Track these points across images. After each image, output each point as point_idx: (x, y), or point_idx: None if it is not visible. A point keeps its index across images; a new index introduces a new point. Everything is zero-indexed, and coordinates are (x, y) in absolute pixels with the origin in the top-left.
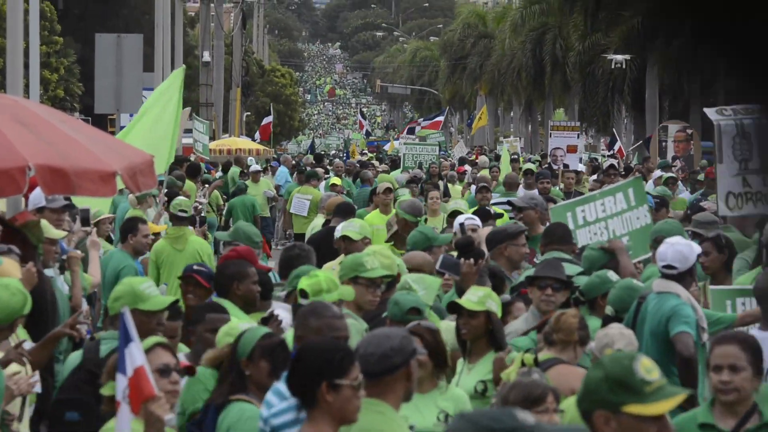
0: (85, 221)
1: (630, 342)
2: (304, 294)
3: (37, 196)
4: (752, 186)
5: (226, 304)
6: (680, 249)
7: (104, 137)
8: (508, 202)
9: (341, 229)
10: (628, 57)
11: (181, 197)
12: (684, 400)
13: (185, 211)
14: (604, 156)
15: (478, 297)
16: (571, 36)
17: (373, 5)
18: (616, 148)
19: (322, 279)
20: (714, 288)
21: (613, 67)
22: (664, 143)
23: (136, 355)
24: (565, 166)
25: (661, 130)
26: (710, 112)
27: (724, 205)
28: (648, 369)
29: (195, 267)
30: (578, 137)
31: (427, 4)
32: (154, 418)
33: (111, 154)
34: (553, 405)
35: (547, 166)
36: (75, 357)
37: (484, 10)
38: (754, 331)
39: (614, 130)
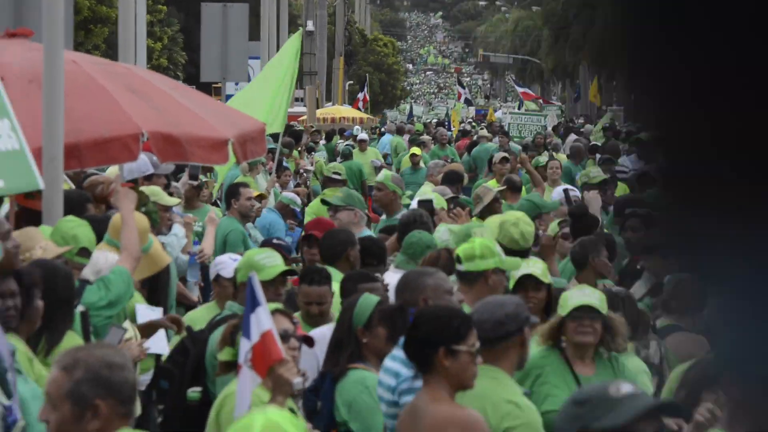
0: (194, 177)
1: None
2: (458, 260)
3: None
4: None
5: (331, 270)
6: None
7: (215, 104)
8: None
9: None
10: None
11: (333, 163)
12: None
13: (339, 174)
14: None
15: (541, 269)
16: None
17: None
18: None
19: (477, 245)
20: None
21: None
22: None
23: (263, 319)
24: None
25: None
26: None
27: None
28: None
29: (275, 241)
30: None
31: None
32: (282, 380)
33: (222, 121)
34: None
35: None
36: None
37: None
38: None
39: None
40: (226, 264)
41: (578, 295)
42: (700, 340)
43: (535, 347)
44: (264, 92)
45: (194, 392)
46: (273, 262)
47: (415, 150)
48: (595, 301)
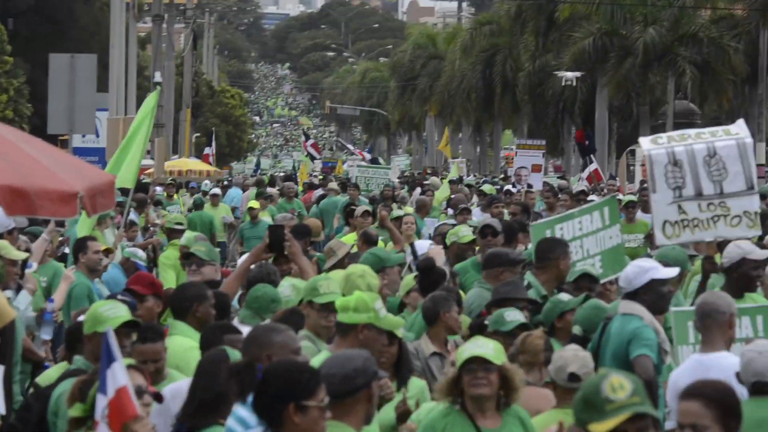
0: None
1: (584, 364)
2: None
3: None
4: (688, 213)
5: (180, 326)
6: (628, 270)
7: (64, 157)
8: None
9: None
10: (578, 74)
11: (175, 213)
12: (648, 421)
13: (181, 224)
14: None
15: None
16: (521, 57)
17: (322, 26)
18: (591, 169)
19: (354, 298)
20: (676, 309)
21: (563, 84)
22: (632, 167)
23: (119, 375)
24: (529, 186)
25: (629, 153)
26: (644, 142)
27: (661, 234)
28: (615, 387)
29: (119, 297)
30: (543, 156)
31: (376, 25)
32: None
33: (72, 174)
34: None
35: (501, 187)
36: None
37: (434, 30)
38: (695, 355)
39: (592, 156)
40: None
41: (471, 347)
42: (546, 394)
43: (434, 405)
44: (124, 150)
45: None
46: (116, 313)
47: (253, 203)
48: (489, 352)
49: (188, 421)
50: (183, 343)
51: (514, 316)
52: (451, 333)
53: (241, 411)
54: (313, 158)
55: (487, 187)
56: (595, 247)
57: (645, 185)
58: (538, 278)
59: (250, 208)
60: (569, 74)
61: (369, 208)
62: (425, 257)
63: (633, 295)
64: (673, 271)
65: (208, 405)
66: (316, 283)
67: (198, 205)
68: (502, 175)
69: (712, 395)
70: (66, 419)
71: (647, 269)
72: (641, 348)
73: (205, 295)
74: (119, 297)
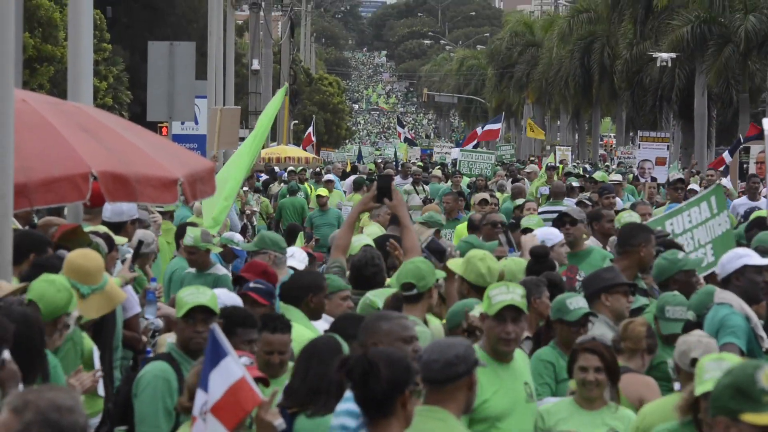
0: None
1: (707, 350)
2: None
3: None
4: None
5: (294, 312)
6: (724, 256)
7: (165, 144)
8: (559, 213)
9: None
10: (674, 55)
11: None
12: None
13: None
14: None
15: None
16: (619, 44)
17: (419, 14)
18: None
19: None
20: None
21: (659, 65)
22: (746, 165)
23: (233, 367)
24: (653, 179)
25: (743, 151)
26: (766, 122)
27: None
28: None
29: (252, 285)
30: (667, 149)
31: (473, 13)
32: (265, 424)
33: (172, 161)
34: None
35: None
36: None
37: (531, 18)
38: None
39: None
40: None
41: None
42: (648, 382)
43: (667, 421)
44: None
45: (120, 430)
46: (194, 299)
47: (321, 191)
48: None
49: (295, 405)
50: (303, 333)
51: (578, 303)
52: (541, 318)
53: (349, 404)
54: (412, 144)
55: (599, 175)
56: (706, 236)
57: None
58: (618, 265)
59: (319, 196)
60: (665, 55)
61: (486, 196)
62: (539, 245)
63: (726, 282)
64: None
65: (321, 392)
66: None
67: (289, 192)
68: (589, 162)
69: None
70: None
71: (741, 255)
72: (727, 336)
73: (321, 285)
74: (252, 285)
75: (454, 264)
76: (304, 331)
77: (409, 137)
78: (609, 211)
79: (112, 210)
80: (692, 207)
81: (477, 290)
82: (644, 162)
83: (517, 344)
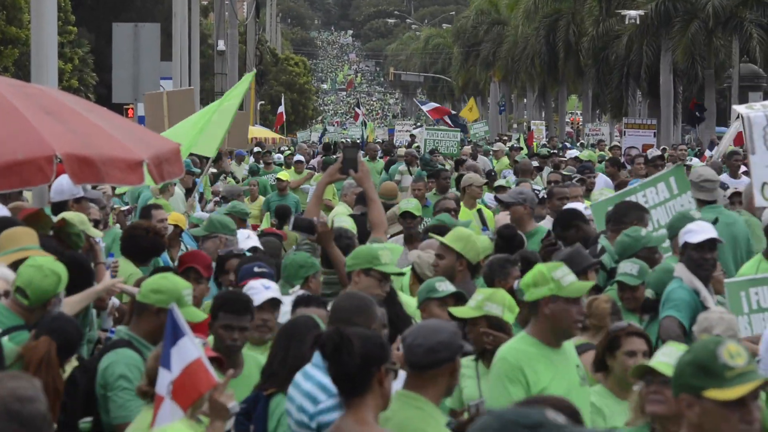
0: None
1: (729, 327)
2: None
3: (68, 187)
4: None
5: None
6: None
7: (130, 126)
8: (495, 198)
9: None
10: (642, 12)
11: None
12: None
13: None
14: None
15: (476, 301)
16: (584, 22)
17: None
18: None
19: (529, 274)
20: (729, 281)
21: (627, 22)
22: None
23: (190, 348)
24: (641, 156)
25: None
26: (739, 108)
27: (761, 196)
28: (733, 354)
29: (256, 269)
30: (654, 136)
31: None
32: (219, 406)
33: (138, 142)
34: None
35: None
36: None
37: None
38: None
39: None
40: (258, 290)
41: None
42: None
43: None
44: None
45: (85, 423)
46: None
47: (283, 174)
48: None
49: (275, 386)
50: None
51: (447, 286)
52: None
53: (321, 377)
54: (365, 125)
55: (585, 154)
56: (666, 216)
57: (735, 152)
58: (611, 242)
59: (278, 180)
60: (633, 12)
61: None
62: (506, 224)
63: (682, 255)
64: (703, 236)
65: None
66: (377, 252)
67: (253, 172)
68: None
69: None
70: (116, 391)
71: (685, 231)
72: (667, 309)
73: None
74: (257, 269)
75: (452, 240)
76: None
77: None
78: (562, 189)
79: (53, 189)
80: (647, 187)
81: (471, 268)
82: (630, 149)
83: None
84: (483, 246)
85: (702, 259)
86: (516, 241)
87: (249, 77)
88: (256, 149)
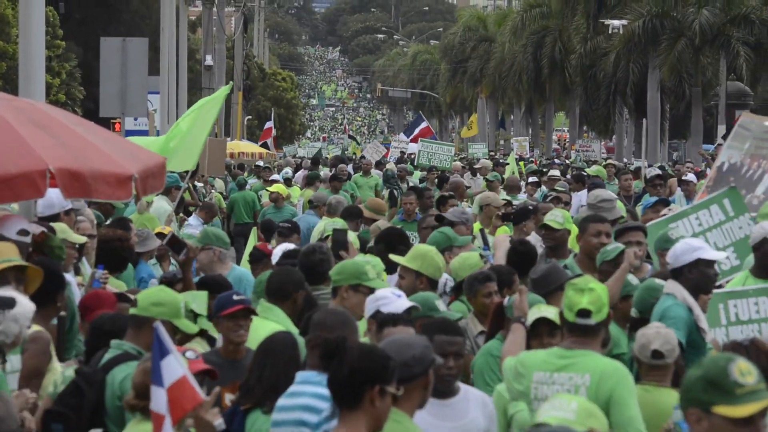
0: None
1: (667, 341)
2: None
3: (58, 201)
4: None
5: (277, 312)
6: (677, 246)
7: (118, 140)
8: (437, 217)
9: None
10: (625, 22)
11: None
12: None
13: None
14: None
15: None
16: (572, 39)
17: (372, 9)
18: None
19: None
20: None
21: (610, 32)
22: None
23: (175, 366)
24: (629, 170)
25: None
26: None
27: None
28: (743, 372)
29: (235, 297)
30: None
31: (427, 8)
32: (204, 423)
33: (126, 157)
34: None
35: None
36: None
37: (484, 13)
38: None
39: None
40: (390, 300)
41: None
42: None
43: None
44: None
45: None
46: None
47: (280, 188)
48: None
49: (251, 402)
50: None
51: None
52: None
53: (316, 389)
54: (353, 139)
55: (593, 169)
56: (724, 239)
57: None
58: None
59: (272, 192)
60: (616, 22)
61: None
62: (522, 240)
63: (679, 273)
64: (720, 255)
65: (279, 389)
66: (364, 268)
67: (239, 186)
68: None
69: None
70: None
71: (696, 248)
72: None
73: (303, 281)
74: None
75: (409, 260)
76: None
77: (351, 135)
78: (547, 204)
79: (42, 203)
80: (700, 210)
81: (433, 284)
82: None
83: None
84: (469, 263)
85: (715, 276)
86: (528, 257)
87: (224, 90)
88: (257, 163)
